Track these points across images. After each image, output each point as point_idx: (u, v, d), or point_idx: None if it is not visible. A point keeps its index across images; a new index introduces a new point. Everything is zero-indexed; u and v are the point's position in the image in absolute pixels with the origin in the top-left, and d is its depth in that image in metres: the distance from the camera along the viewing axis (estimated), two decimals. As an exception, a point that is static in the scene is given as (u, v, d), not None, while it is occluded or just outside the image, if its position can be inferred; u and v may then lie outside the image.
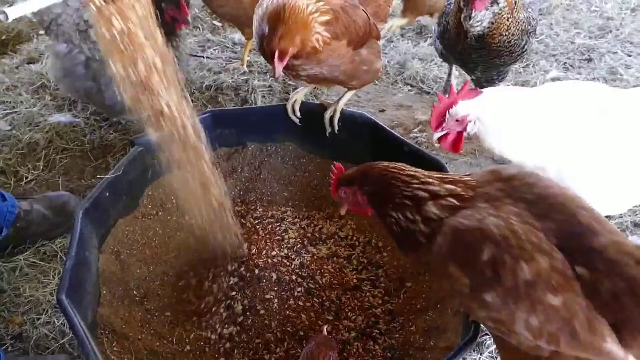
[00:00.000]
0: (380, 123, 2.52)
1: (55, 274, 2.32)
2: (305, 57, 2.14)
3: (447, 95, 1.97)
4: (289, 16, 2.02)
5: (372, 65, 2.45)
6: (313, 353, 1.66)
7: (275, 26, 2.02)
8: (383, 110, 2.89)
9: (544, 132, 1.93)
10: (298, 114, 2.56)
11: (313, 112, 2.57)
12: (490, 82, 2.96)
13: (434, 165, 2.12)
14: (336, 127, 2.53)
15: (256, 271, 2.21)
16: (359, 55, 2.32)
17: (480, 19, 2.53)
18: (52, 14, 2.68)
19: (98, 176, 2.74)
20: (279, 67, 2.06)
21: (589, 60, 3.86)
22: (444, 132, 1.98)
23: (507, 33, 2.60)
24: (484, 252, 1.35)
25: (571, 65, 3.81)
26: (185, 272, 2.26)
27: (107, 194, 2.17)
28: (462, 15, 2.54)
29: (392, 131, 2.49)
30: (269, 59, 2.08)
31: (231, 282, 2.18)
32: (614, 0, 4.56)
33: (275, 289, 2.16)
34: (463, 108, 1.92)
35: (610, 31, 4.16)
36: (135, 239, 2.30)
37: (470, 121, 1.94)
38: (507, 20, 2.58)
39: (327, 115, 2.52)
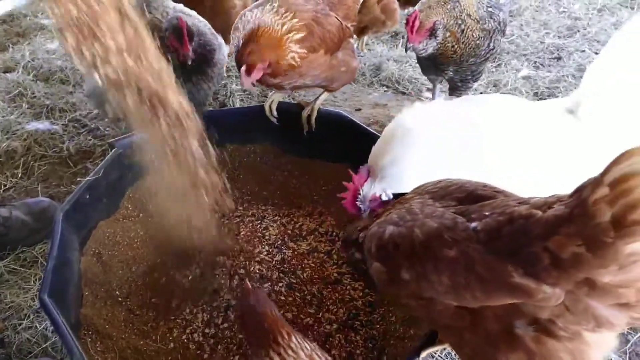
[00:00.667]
0: (357, 121, 2.57)
1: (36, 280, 2.32)
2: (284, 74, 2.27)
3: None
4: (261, 35, 2.19)
5: (350, 65, 2.54)
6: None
7: (247, 43, 2.20)
8: (359, 109, 2.95)
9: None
10: (275, 113, 2.61)
11: (291, 112, 2.62)
12: (465, 82, 2.99)
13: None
14: (313, 126, 2.57)
15: (239, 269, 2.24)
16: (336, 59, 2.43)
17: (423, 48, 2.54)
18: None
19: (78, 179, 2.75)
20: (245, 80, 2.20)
21: (559, 58, 3.97)
22: (367, 211, 2.05)
23: (455, 55, 2.63)
24: (385, 233, 1.54)
25: (541, 64, 3.92)
26: (168, 271, 2.27)
27: (88, 197, 2.18)
28: (406, 44, 2.54)
29: (368, 128, 2.54)
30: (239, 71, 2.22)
31: (214, 279, 2.19)
32: (582, 2, 4.70)
33: (258, 284, 2.19)
34: (367, 190, 2.02)
35: (578, 31, 4.29)
36: (117, 240, 2.31)
37: (380, 195, 2.01)
38: (453, 46, 2.59)
39: (305, 114, 2.57)
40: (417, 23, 2.43)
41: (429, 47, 2.53)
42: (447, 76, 2.92)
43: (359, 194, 2.03)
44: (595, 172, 1.19)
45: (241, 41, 2.23)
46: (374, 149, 2.08)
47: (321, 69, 2.38)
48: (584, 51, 4.03)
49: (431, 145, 1.95)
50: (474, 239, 1.39)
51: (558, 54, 4.02)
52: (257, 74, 2.21)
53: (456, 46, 2.59)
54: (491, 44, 2.72)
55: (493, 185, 1.57)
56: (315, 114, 2.58)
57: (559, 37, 4.23)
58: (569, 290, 1.26)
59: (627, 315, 1.26)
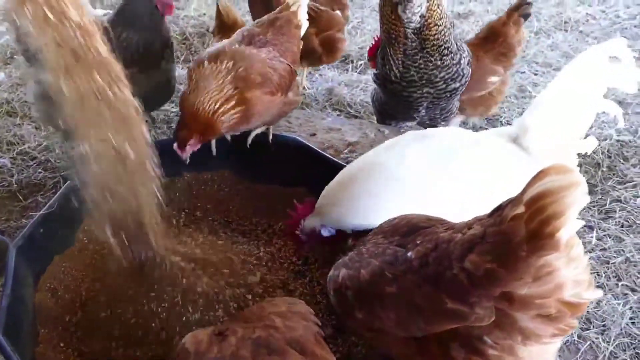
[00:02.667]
0: (312, 146, 2.62)
1: (-14, 318, 2.24)
2: (229, 128, 2.38)
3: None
4: (194, 114, 2.29)
5: (296, 102, 2.71)
6: None
7: (183, 116, 2.35)
8: (314, 134, 3.01)
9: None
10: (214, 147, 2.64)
11: (245, 139, 2.64)
12: (433, 121, 3.05)
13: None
14: (249, 142, 2.64)
15: (197, 297, 2.21)
16: (288, 99, 2.57)
17: (419, 3, 2.56)
18: None
19: (31, 213, 2.68)
20: (181, 153, 2.32)
21: (501, 80, 4.15)
22: (306, 240, 2.15)
23: (440, 23, 2.66)
24: (339, 277, 1.66)
25: (485, 85, 4.08)
26: (125, 304, 2.22)
27: (42, 230, 2.14)
28: (400, 7, 2.57)
29: (324, 153, 2.60)
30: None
31: (173, 310, 2.17)
32: (519, 25, 4.94)
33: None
34: (308, 224, 2.11)
35: (518, 53, 4.50)
36: (72, 274, 2.26)
37: (320, 229, 2.09)
38: (438, 7, 2.65)
39: (254, 133, 2.65)
40: None
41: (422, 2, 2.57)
42: (418, 116, 3.00)
43: (300, 224, 2.11)
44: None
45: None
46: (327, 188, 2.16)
47: (276, 109, 2.52)
48: (524, 72, 4.25)
49: (375, 185, 2.02)
50: (411, 270, 1.48)
51: (500, 76, 4.19)
52: (191, 148, 2.33)
53: (440, 10, 2.63)
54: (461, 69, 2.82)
55: (438, 217, 1.66)
56: (270, 136, 2.67)
57: (500, 59, 4.42)
58: (491, 306, 1.34)
59: (552, 326, 1.33)
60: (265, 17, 2.65)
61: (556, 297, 1.29)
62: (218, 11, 3.47)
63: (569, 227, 1.21)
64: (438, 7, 2.64)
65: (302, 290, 2.31)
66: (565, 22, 4.94)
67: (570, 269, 1.27)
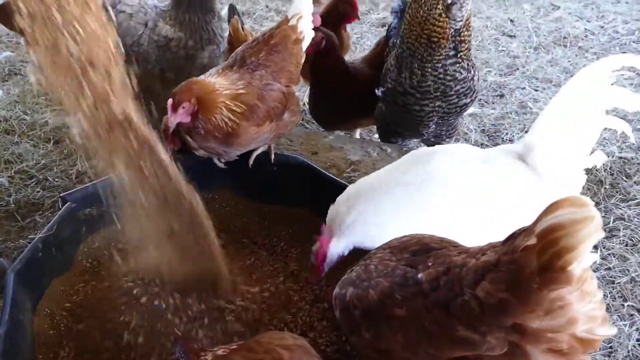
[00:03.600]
0: (315, 165, 2.60)
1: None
2: (224, 141, 2.34)
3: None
4: (201, 82, 2.31)
5: (295, 118, 2.63)
6: None
7: (188, 82, 2.31)
8: (316, 153, 2.98)
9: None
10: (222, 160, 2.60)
11: (247, 159, 2.61)
12: (438, 138, 3.05)
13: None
14: (250, 163, 2.61)
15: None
16: (283, 121, 2.52)
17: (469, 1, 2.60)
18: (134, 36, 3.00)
19: (29, 236, 2.64)
20: (170, 114, 2.21)
21: (502, 96, 4.16)
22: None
23: (470, 25, 2.72)
24: (346, 295, 1.61)
25: (486, 102, 4.09)
26: (125, 327, 2.18)
27: (41, 254, 2.10)
28: (456, 6, 2.58)
29: (327, 172, 2.57)
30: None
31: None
32: (519, 40, 4.97)
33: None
34: (333, 250, 2.04)
35: (518, 69, 4.51)
36: (70, 298, 2.22)
37: (343, 254, 2.05)
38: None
39: (255, 153, 2.61)
40: None
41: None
42: (425, 133, 3.00)
43: (327, 255, 2.04)
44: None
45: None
46: (335, 206, 2.10)
47: (269, 134, 2.47)
48: (524, 88, 4.24)
49: (395, 200, 1.99)
50: (422, 293, 1.45)
51: (501, 92, 4.20)
52: (181, 116, 2.22)
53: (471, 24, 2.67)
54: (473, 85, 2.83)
55: (450, 239, 1.63)
56: (272, 155, 2.64)
57: (500, 74, 4.44)
58: (503, 336, 1.31)
59: None
60: (260, 34, 2.59)
61: (568, 332, 1.26)
62: (229, 31, 3.40)
63: (581, 261, 1.19)
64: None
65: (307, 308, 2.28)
66: (565, 38, 4.96)
67: (583, 304, 1.25)
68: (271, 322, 2.21)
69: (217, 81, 2.35)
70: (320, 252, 2.04)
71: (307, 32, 2.56)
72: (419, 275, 1.48)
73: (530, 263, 1.23)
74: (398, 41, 2.88)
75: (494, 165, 2.03)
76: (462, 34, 2.70)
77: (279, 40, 2.50)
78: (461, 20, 2.65)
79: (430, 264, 1.50)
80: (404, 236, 1.71)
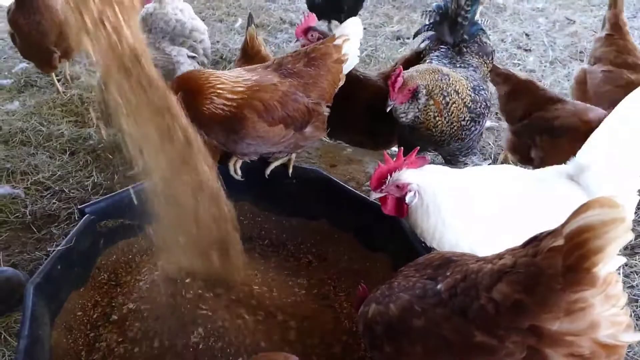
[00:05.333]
0: (334, 178, 2.57)
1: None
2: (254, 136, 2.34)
3: (394, 158, 1.98)
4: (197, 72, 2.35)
5: (318, 134, 2.58)
6: None
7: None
8: (334, 165, 2.96)
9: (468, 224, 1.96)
10: (239, 172, 2.58)
11: (264, 171, 2.59)
12: (454, 157, 2.78)
13: (390, 218, 2.15)
14: (267, 173, 2.60)
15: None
16: (303, 135, 2.49)
17: (404, 112, 2.42)
18: None
19: (45, 248, 2.62)
20: None
21: (518, 110, 4.10)
22: (382, 194, 2.00)
23: (435, 130, 2.48)
24: (369, 312, 1.62)
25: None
26: (143, 338, 2.14)
27: (59, 267, 2.07)
28: (387, 105, 2.40)
29: (346, 185, 2.54)
30: None
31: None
32: (535, 55, 4.94)
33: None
34: (406, 175, 1.94)
35: (534, 82, 4.46)
36: (88, 311, 2.20)
37: (410, 191, 1.95)
38: (434, 118, 2.45)
39: (273, 165, 2.61)
40: (399, 80, 2.35)
41: (409, 111, 2.42)
42: (442, 150, 2.79)
43: (396, 172, 1.94)
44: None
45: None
46: None
47: (284, 140, 2.43)
48: (541, 102, 4.19)
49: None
50: (441, 303, 1.44)
51: (517, 106, 4.15)
52: None
53: (438, 119, 2.45)
54: (478, 128, 2.62)
55: (471, 254, 1.63)
56: (291, 168, 2.62)
57: (517, 89, 4.39)
58: (520, 340, 1.28)
59: None
60: (305, 47, 2.59)
61: (590, 336, 1.23)
62: (245, 39, 3.34)
63: (608, 264, 1.17)
64: (434, 118, 2.45)
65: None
66: (581, 52, 4.92)
67: (606, 307, 1.22)
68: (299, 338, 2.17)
69: (226, 74, 2.36)
70: (389, 166, 1.94)
71: (351, 56, 2.55)
72: (438, 286, 1.48)
73: (555, 264, 1.21)
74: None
75: (544, 185, 2.02)
76: (418, 127, 2.49)
77: (319, 56, 2.51)
78: (406, 121, 2.47)
79: (449, 273, 1.51)
80: (431, 254, 1.71)
